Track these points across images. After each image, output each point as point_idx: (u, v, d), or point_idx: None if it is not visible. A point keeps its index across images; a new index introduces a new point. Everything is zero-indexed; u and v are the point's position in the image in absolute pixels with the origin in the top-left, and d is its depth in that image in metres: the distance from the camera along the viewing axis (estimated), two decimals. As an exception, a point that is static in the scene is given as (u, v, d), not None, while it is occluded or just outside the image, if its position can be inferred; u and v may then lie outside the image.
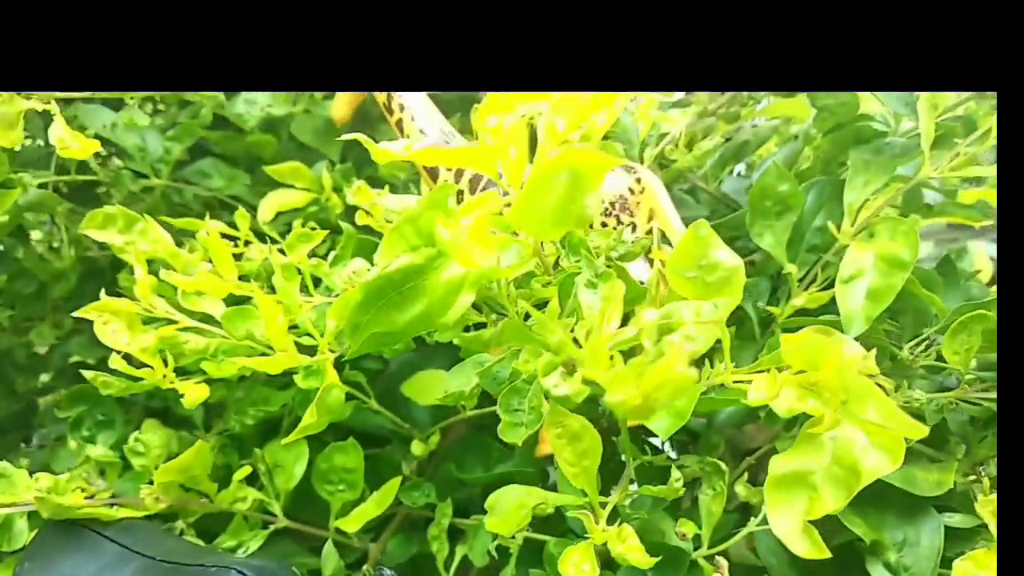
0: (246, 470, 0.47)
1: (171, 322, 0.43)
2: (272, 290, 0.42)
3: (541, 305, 0.37)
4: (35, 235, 0.68)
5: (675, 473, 0.38)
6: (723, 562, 0.40)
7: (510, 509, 0.38)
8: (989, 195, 0.49)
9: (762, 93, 0.59)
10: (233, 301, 0.44)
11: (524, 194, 0.24)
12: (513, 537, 0.43)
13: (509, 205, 0.28)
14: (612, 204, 0.44)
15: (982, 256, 0.79)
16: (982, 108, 0.51)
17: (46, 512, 0.40)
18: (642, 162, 0.55)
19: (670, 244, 0.44)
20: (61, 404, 0.52)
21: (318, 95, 0.67)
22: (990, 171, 0.43)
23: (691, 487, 0.45)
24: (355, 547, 0.50)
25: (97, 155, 0.59)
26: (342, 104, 0.58)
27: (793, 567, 0.42)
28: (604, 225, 0.44)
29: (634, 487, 0.42)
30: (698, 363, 0.35)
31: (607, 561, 0.38)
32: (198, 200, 0.66)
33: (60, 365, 0.69)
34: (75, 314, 0.42)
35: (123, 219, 0.45)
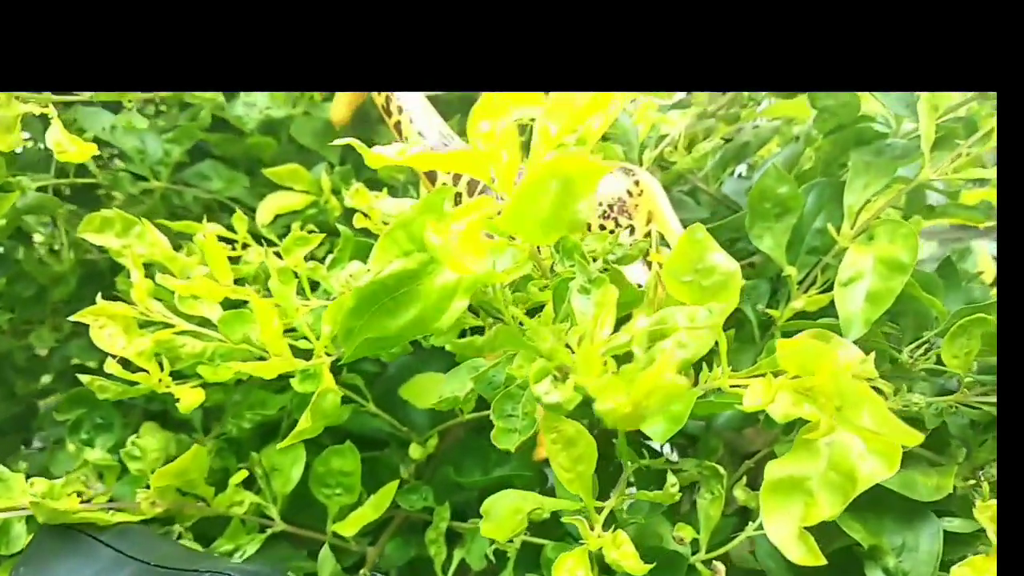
0: (242, 474, 0.47)
1: (168, 326, 0.43)
2: (269, 294, 0.42)
3: (538, 309, 0.37)
4: (38, 237, 0.68)
5: (671, 478, 0.38)
6: (720, 567, 0.40)
7: (505, 514, 0.38)
8: (992, 196, 0.48)
9: (762, 94, 0.59)
10: (230, 305, 0.44)
11: (515, 200, 0.24)
12: (511, 541, 0.43)
13: (500, 212, 0.27)
14: (610, 207, 0.44)
15: (986, 256, 0.78)
16: (984, 109, 0.50)
17: (41, 517, 0.40)
18: (641, 164, 0.55)
19: (669, 247, 0.44)
20: (60, 407, 0.52)
21: (317, 97, 0.67)
22: (991, 173, 0.42)
23: (690, 491, 0.45)
24: (353, 551, 0.49)
25: (99, 157, 0.59)
26: (341, 106, 0.58)
27: (791, 571, 0.41)
28: (602, 228, 0.44)
29: (633, 490, 0.42)
30: (696, 366, 0.35)
31: (606, 566, 0.38)
32: (198, 202, 0.66)
33: (60, 368, 0.69)
34: (72, 318, 0.42)
35: (120, 222, 0.45)
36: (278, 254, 0.47)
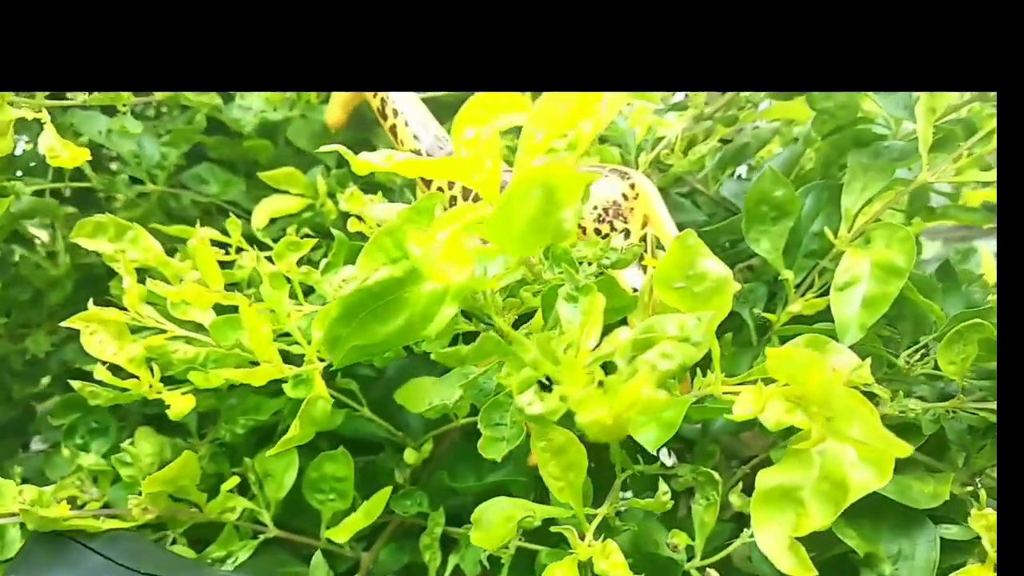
0: (234, 480, 0.46)
1: (160, 331, 0.43)
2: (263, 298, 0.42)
3: (532, 314, 0.36)
4: (38, 239, 0.68)
5: (663, 486, 0.38)
6: (715, 574, 0.39)
7: (496, 522, 0.37)
8: (994, 197, 0.48)
9: (761, 95, 0.58)
10: (223, 310, 0.43)
11: (497, 209, 0.24)
12: (506, 547, 0.43)
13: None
14: (605, 210, 0.44)
15: (990, 257, 0.78)
16: (985, 109, 0.50)
17: (31, 524, 0.40)
18: (637, 167, 0.55)
19: (665, 250, 0.44)
20: (55, 412, 0.52)
21: (314, 100, 0.67)
22: (990, 176, 0.42)
23: (685, 496, 0.44)
24: (347, 556, 0.49)
25: (96, 161, 0.59)
26: (336, 108, 0.58)
27: (787, 579, 0.41)
28: (598, 232, 0.43)
29: (629, 495, 0.42)
30: (691, 372, 0.34)
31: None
32: (196, 206, 0.66)
33: (57, 371, 0.69)
34: (63, 324, 0.42)
35: (113, 227, 0.45)
36: (271, 259, 0.47)
